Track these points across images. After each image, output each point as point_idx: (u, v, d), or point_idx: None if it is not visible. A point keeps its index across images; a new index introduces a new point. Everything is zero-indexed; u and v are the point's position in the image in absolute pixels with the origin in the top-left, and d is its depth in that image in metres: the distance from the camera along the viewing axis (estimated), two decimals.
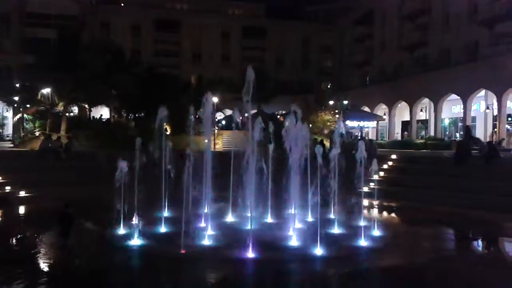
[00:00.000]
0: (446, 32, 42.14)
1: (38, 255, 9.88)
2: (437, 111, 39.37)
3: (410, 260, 10.12)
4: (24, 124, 41.24)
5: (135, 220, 11.22)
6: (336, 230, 11.95)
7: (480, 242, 13.17)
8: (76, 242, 11.20)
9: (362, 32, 58.26)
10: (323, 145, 19.34)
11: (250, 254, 9.38)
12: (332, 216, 12.93)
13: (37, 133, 35.32)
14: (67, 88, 32.98)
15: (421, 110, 43.68)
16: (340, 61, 64.48)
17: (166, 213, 12.79)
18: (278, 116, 41.98)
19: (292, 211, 12.74)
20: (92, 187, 17.21)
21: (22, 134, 38.18)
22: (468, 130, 24.78)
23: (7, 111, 44.32)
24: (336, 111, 42.51)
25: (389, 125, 46.61)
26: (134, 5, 62.87)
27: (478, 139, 24.55)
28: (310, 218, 13.07)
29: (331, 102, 47.59)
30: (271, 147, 13.95)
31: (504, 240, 12.88)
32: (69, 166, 21.82)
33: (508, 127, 33.87)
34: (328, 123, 40.46)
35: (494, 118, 34.09)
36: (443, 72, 38.74)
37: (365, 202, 14.44)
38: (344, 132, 18.10)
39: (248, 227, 10.36)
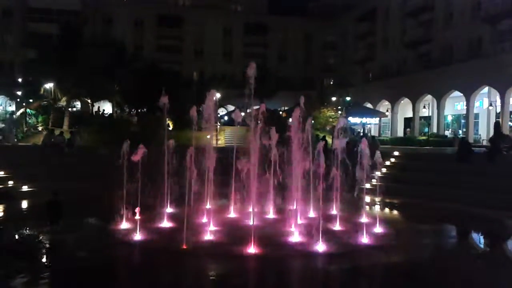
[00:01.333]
0: (449, 29, 41.99)
1: (38, 249, 10.02)
2: (440, 108, 39.26)
3: (411, 257, 10.12)
4: (27, 119, 41.27)
5: (136, 215, 11.24)
6: (337, 226, 11.95)
7: (481, 239, 13.16)
8: (71, 231, 11.34)
9: (365, 28, 58.06)
10: (326, 141, 19.36)
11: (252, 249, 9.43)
12: (334, 212, 12.93)
13: (40, 128, 35.36)
14: (70, 83, 32.97)
15: (424, 107, 43.56)
16: (343, 58, 64.26)
17: (168, 209, 12.84)
18: (281, 112, 41.95)
19: (294, 207, 12.74)
20: (95, 181, 17.21)
21: (25, 129, 38.22)
22: (498, 126, 24.00)
23: (10, 105, 44.37)
24: (339, 107, 42.39)
25: (391, 121, 46.52)
26: (137, 0, 62.76)
27: (507, 136, 24.07)
28: (312, 214, 13.09)
29: (333, 99, 47.49)
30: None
31: (506, 238, 12.86)
32: (71, 161, 21.86)
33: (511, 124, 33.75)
34: (331, 119, 40.35)
35: (497, 115, 33.97)
36: (446, 69, 38.62)
37: (367, 198, 14.44)
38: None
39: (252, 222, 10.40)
